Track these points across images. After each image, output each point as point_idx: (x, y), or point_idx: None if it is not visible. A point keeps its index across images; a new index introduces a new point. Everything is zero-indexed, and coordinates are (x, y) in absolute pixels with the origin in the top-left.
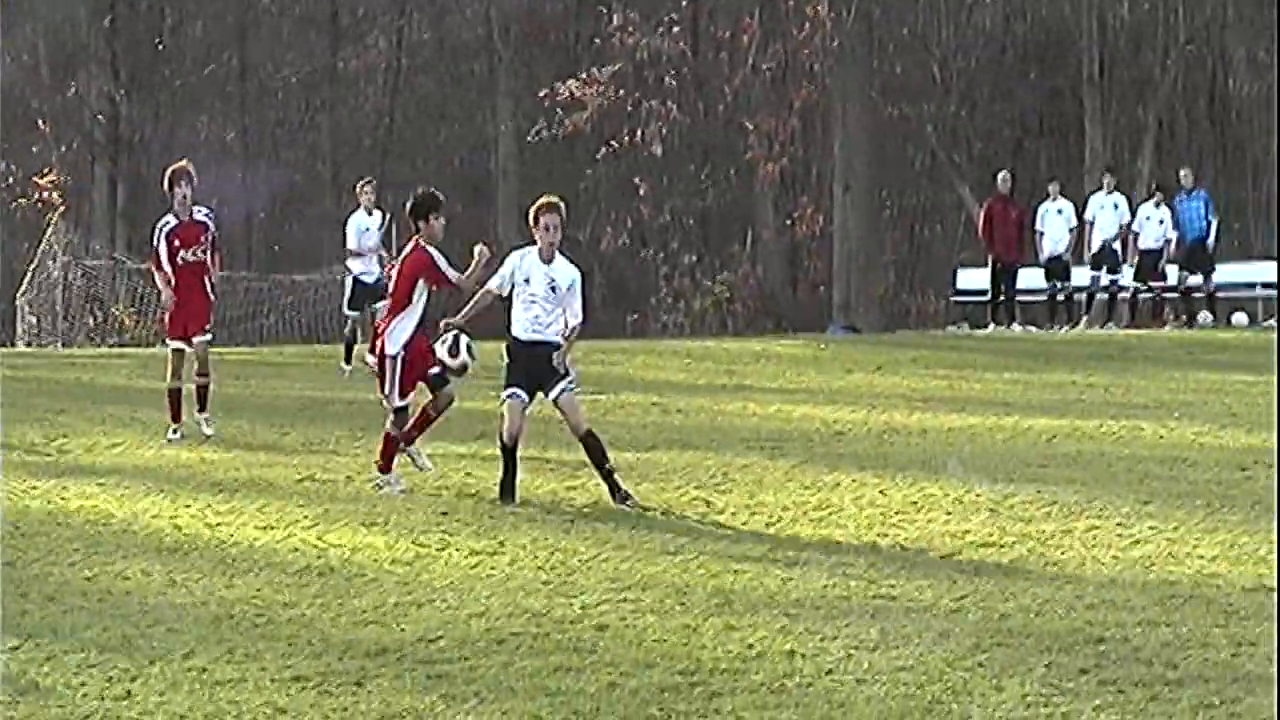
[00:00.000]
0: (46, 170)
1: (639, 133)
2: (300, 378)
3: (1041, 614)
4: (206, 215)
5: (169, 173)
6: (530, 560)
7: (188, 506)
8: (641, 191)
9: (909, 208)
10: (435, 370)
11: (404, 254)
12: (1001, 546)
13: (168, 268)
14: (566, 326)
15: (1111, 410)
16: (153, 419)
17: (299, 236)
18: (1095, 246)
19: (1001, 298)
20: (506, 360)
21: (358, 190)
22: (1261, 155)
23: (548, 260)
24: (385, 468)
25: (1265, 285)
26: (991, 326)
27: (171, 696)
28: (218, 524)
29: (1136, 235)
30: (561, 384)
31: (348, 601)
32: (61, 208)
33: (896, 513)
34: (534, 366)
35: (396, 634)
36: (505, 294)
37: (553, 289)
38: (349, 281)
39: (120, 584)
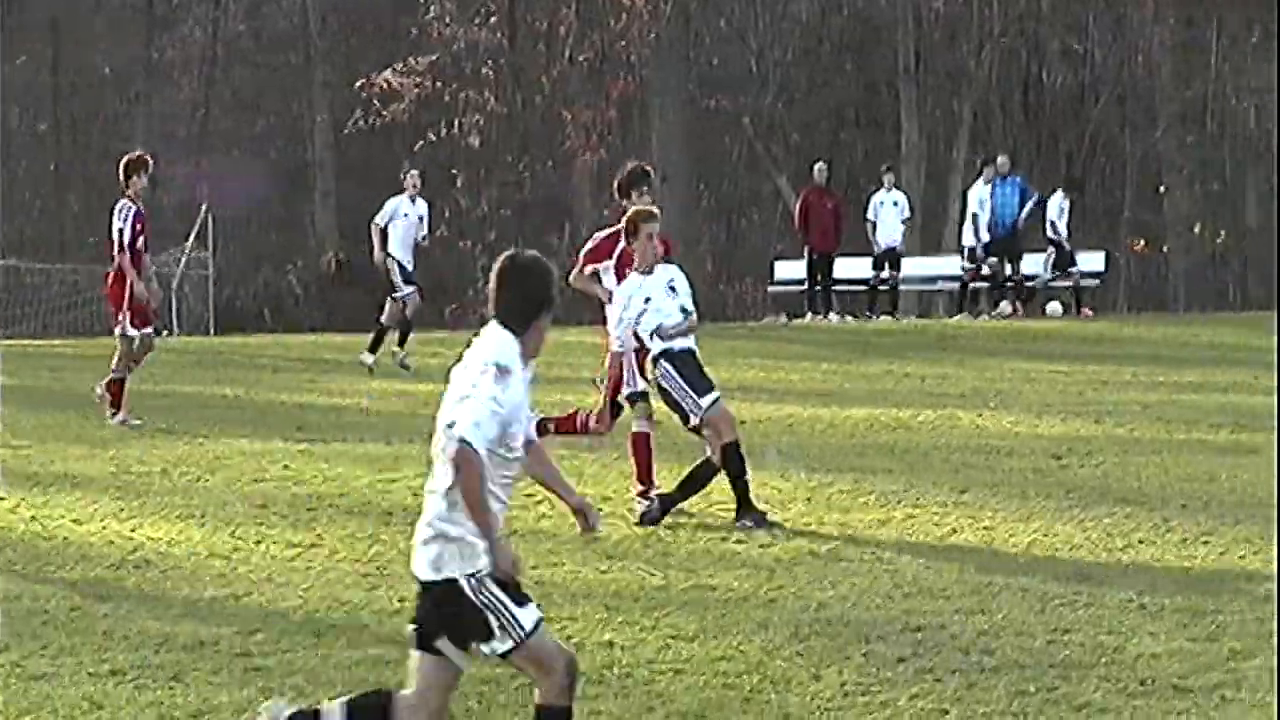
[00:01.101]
0: None
1: (456, 124)
2: None
3: (859, 603)
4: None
5: (127, 162)
6: (348, 553)
7: (1, 500)
8: (459, 183)
9: (726, 199)
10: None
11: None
12: (819, 536)
13: (129, 252)
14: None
15: (928, 400)
16: None
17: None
18: (985, 237)
19: (818, 288)
20: (678, 372)
21: (403, 177)
22: (1075, 146)
23: (651, 271)
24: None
25: (1084, 275)
26: (809, 316)
27: None
28: (31, 517)
29: (1053, 225)
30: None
31: (164, 595)
32: None
33: (714, 503)
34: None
35: (214, 627)
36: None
37: (673, 289)
38: (395, 266)
39: None
